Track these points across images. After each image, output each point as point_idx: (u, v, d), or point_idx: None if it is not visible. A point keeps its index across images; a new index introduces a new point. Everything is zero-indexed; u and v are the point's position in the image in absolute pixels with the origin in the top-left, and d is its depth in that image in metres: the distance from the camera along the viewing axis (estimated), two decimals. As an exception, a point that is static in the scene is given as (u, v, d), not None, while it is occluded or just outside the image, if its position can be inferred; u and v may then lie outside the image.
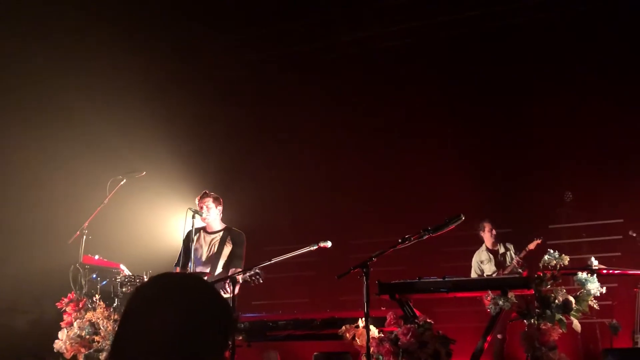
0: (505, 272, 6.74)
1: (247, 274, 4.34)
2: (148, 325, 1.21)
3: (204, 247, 5.53)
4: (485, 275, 6.92)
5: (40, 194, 7.64)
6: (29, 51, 7.67)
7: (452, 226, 3.71)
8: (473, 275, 7.06)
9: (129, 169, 6.06)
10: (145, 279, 4.86)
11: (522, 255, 6.73)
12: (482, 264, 7.02)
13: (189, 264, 5.27)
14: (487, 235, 7.05)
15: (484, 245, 7.11)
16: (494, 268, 6.90)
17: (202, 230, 5.61)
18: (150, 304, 1.25)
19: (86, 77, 7.81)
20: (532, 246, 6.71)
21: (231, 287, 4.26)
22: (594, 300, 3.64)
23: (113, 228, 6.91)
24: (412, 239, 3.68)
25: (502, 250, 7.02)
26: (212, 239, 5.53)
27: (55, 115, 7.84)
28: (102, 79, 7.94)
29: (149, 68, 8.14)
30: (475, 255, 7.13)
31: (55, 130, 7.68)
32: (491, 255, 7.00)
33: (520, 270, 6.57)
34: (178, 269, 5.35)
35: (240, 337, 4.51)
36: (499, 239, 7.09)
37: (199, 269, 5.37)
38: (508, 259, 6.95)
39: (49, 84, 7.77)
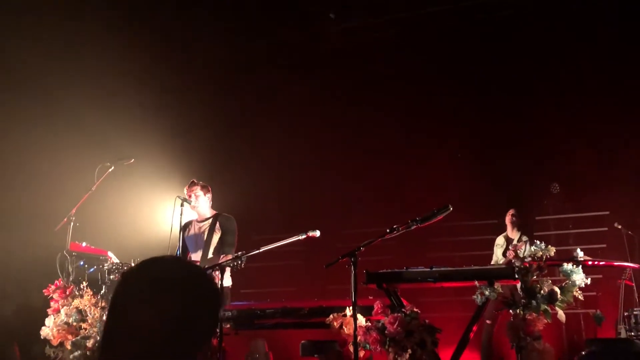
0: (505, 262, 6.62)
1: (230, 259, 4.35)
2: (138, 316, 1.20)
3: (195, 235, 5.55)
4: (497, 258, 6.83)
5: (27, 180, 7.56)
6: (13, 35, 7.56)
7: (440, 217, 3.73)
8: (493, 260, 6.98)
9: (117, 156, 6.02)
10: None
11: (506, 261, 6.61)
12: (497, 247, 6.93)
13: (182, 254, 5.32)
14: (507, 221, 6.95)
15: (506, 232, 7.00)
16: (500, 256, 6.79)
17: (194, 221, 5.65)
18: (140, 293, 1.24)
19: (73, 62, 7.71)
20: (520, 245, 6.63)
21: (218, 275, 4.26)
22: (579, 291, 3.68)
23: (101, 215, 6.87)
24: (400, 229, 3.70)
25: (516, 240, 6.86)
26: (202, 227, 5.54)
27: (42, 101, 7.74)
28: (89, 64, 7.84)
29: (137, 54, 8.05)
30: (496, 240, 7.03)
31: (42, 116, 7.59)
32: (505, 243, 6.89)
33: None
34: None
35: (228, 325, 4.51)
36: (517, 227, 6.88)
37: (192, 258, 5.39)
38: (520, 252, 6.81)
39: (34, 68, 7.66)
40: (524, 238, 6.82)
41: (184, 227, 5.50)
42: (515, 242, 6.74)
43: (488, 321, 6.56)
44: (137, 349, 1.18)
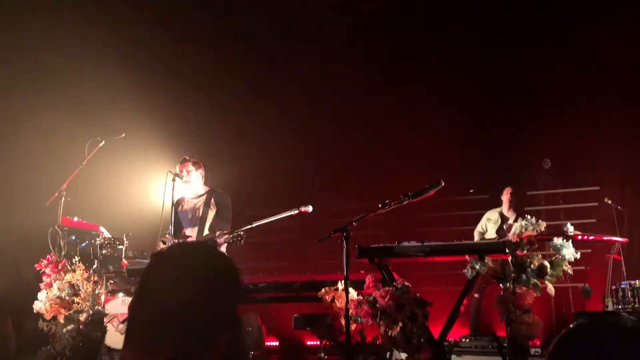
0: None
1: (230, 236, 4.36)
2: (164, 301, 1.20)
3: (189, 211, 5.54)
4: (487, 236, 6.88)
5: (17, 156, 7.51)
6: (2, 11, 7.42)
7: (432, 192, 3.74)
8: (476, 230, 7.03)
9: (108, 131, 5.98)
10: (125, 241, 4.85)
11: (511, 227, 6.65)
12: (489, 222, 6.97)
13: (180, 230, 5.32)
14: (505, 199, 6.96)
15: (500, 208, 7.03)
16: (494, 233, 6.84)
17: (187, 196, 5.63)
18: (167, 279, 1.24)
19: (63, 35, 7.59)
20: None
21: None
22: (568, 266, 3.72)
23: (92, 190, 6.84)
24: (392, 204, 3.71)
25: (512, 220, 6.88)
26: (196, 203, 5.53)
27: (32, 75, 7.64)
28: (79, 37, 7.72)
29: (129, 26, 7.94)
30: (487, 212, 7.09)
31: (32, 90, 7.50)
32: (500, 220, 6.92)
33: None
34: (169, 237, 5.35)
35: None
36: (514, 207, 6.91)
37: (186, 233, 5.39)
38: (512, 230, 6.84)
39: (24, 41, 7.55)
40: (520, 220, 6.84)
41: (177, 203, 5.47)
42: (511, 221, 6.80)
43: (476, 295, 6.65)
44: (162, 334, 1.18)
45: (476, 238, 6.90)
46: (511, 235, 3.79)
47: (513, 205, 6.90)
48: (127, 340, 1.22)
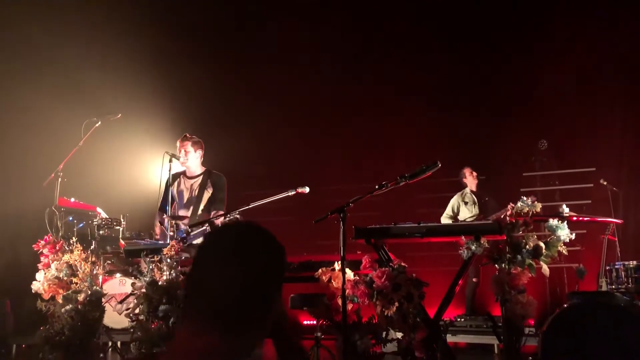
0: (495, 217, 6.79)
1: (227, 217, 4.37)
2: (214, 280, 1.24)
3: (185, 191, 5.53)
4: (464, 217, 6.98)
5: (14, 136, 7.48)
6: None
7: (429, 173, 3.74)
8: (445, 215, 7.15)
9: (104, 111, 5.95)
10: (123, 222, 4.86)
11: (499, 215, 6.78)
12: (465, 205, 7.07)
13: (170, 209, 5.30)
14: (470, 179, 7.12)
15: (467, 189, 7.16)
16: (476, 211, 6.97)
17: (182, 175, 5.60)
18: (217, 258, 1.28)
19: (58, 14, 7.51)
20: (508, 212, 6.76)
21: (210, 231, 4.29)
22: (563, 246, 3.75)
23: (89, 171, 6.83)
24: (389, 185, 3.71)
25: (486, 197, 7.08)
26: (192, 183, 5.54)
27: (27, 54, 7.58)
28: (75, 15, 7.64)
29: (127, 9, 7.85)
30: (456, 197, 7.16)
31: (28, 69, 7.44)
32: (475, 198, 7.06)
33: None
34: (166, 217, 5.36)
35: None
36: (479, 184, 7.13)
37: (181, 213, 5.39)
38: (490, 207, 6.99)
39: (19, 20, 7.47)
40: (488, 198, 7.00)
41: (173, 179, 5.43)
42: (484, 199, 6.94)
43: (474, 279, 6.72)
44: (214, 313, 1.23)
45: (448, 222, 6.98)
46: (507, 214, 3.82)
47: (479, 182, 7.11)
48: (184, 314, 1.28)
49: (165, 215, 5.17)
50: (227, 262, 1.26)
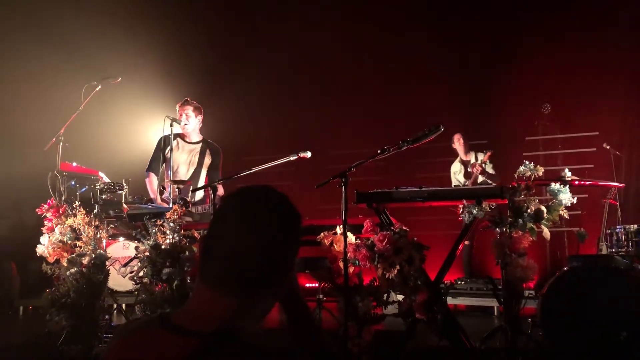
0: (470, 182, 6.81)
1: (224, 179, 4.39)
2: (231, 242, 1.24)
3: (184, 155, 5.53)
4: (458, 183, 7.02)
5: (14, 100, 7.44)
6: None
7: (431, 137, 3.72)
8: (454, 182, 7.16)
9: (104, 75, 5.89)
10: (125, 186, 4.87)
11: (475, 165, 6.76)
12: (455, 174, 7.12)
13: (166, 171, 5.31)
14: (457, 145, 7.12)
15: (458, 157, 7.18)
16: (463, 179, 6.99)
17: (179, 138, 5.57)
18: (234, 221, 1.27)
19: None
20: (485, 158, 6.77)
21: (212, 196, 4.31)
22: (565, 210, 3.75)
23: (90, 135, 6.82)
24: (391, 149, 3.70)
25: (472, 160, 7.05)
26: (192, 149, 5.54)
27: (26, 20, 7.48)
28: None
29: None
30: (452, 167, 7.22)
31: (27, 34, 7.35)
32: (462, 166, 7.07)
33: (484, 178, 6.67)
34: (151, 174, 5.38)
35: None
36: (471, 149, 7.12)
37: (179, 177, 5.40)
38: (485, 166, 6.96)
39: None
40: (479, 155, 6.95)
41: (168, 141, 5.37)
42: (473, 161, 6.92)
43: (466, 242, 6.76)
44: (232, 276, 1.22)
45: None
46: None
47: (467, 148, 7.07)
48: (201, 274, 1.26)
49: (167, 180, 5.18)
50: (246, 225, 1.25)
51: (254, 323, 1.30)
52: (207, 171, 5.51)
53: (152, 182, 5.49)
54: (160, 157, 5.42)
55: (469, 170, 6.91)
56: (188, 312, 1.24)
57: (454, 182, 7.12)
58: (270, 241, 1.25)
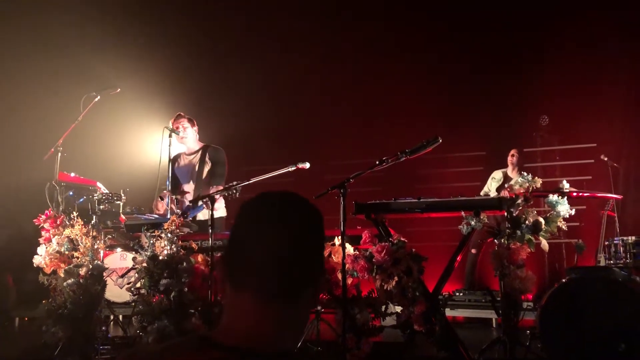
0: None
1: (229, 191, 4.37)
2: (253, 249, 1.21)
3: (185, 167, 5.56)
4: (484, 192, 6.84)
5: (13, 110, 7.44)
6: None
7: (429, 148, 3.73)
8: (484, 190, 6.97)
9: (103, 86, 5.91)
10: (123, 197, 4.86)
11: (506, 190, 6.55)
12: (492, 180, 6.91)
13: (178, 186, 5.35)
14: (509, 159, 6.88)
15: (506, 169, 6.97)
16: (495, 190, 6.78)
17: (182, 154, 5.65)
18: (253, 227, 1.24)
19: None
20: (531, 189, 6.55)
21: (210, 206, 4.29)
22: (563, 222, 3.76)
23: (89, 146, 6.82)
24: (389, 160, 3.70)
25: (515, 179, 6.74)
26: (191, 159, 5.56)
27: (26, 30, 7.50)
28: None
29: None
30: (494, 172, 6.97)
31: (27, 45, 7.38)
32: (503, 179, 6.84)
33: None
34: (166, 192, 5.34)
35: (220, 254, 4.59)
36: (518, 168, 6.79)
37: (184, 189, 5.41)
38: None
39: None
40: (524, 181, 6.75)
41: (174, 160, 5.52)
42: (513, 182, 6.71)
43: (473, 250, 6.73)
44: (272, 279, 1.18)
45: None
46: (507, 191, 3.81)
47: (517, 166, 6.81)
48: (235, 286, 1.21)
49: (165, 190, 5.18)
50: (276, 226, 1.22)
51: (299, 334, 1.26)
52: (208, 179, 5.49)
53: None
54: (173, 174, 5.46)
55: (505, 185, 6.73)
56: (230, 330, 1.17)
57: (487, 186, 6.92)
58: (303, 239, 1.23)
